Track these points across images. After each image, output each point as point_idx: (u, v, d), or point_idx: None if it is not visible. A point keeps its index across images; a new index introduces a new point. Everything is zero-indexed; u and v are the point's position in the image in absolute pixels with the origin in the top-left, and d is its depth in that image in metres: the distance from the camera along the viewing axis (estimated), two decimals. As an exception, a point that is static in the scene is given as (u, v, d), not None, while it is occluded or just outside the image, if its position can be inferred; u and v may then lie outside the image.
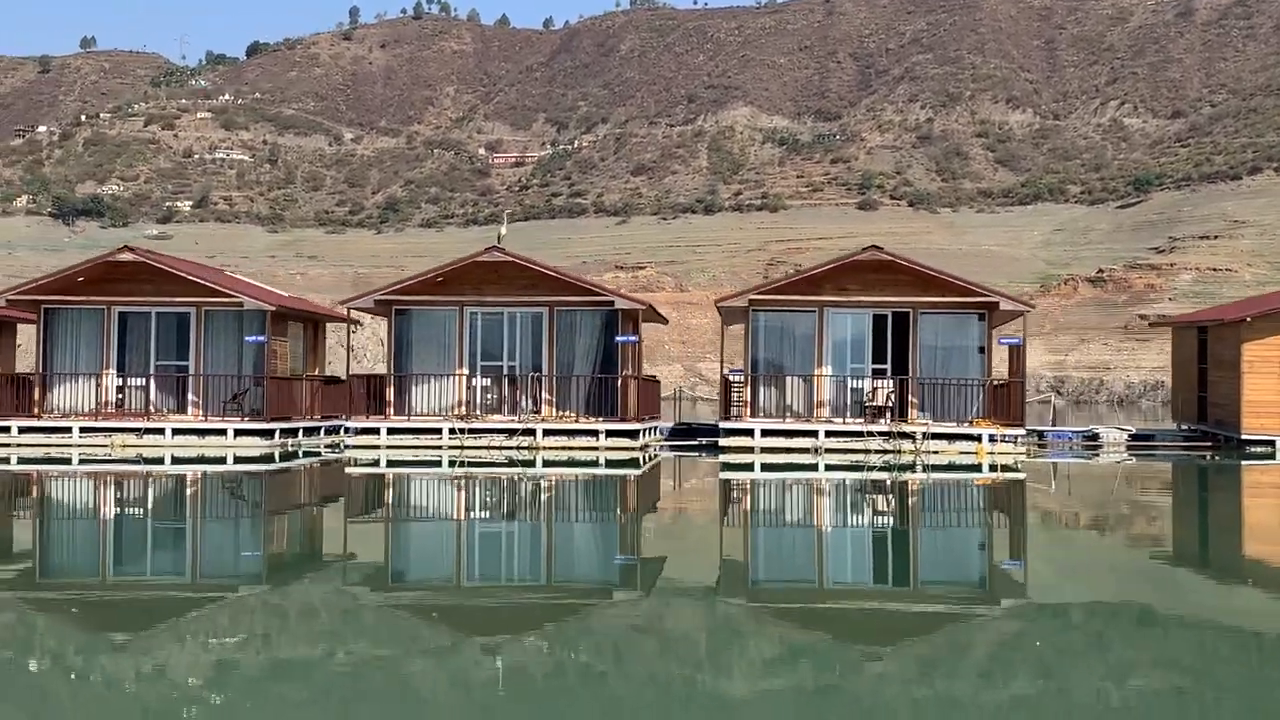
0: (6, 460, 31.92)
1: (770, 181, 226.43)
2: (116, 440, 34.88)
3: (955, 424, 36.18)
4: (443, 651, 11.81)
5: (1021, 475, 31.65)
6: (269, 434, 35.24)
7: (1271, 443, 39.40)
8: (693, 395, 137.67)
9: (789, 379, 37.36)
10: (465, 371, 36.75)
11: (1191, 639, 12.87)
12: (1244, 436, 39.60)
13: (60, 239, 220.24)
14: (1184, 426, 44.53)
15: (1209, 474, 35.49)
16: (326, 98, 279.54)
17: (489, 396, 36.74)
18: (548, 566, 17.26)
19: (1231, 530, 22.89)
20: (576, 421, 36.03)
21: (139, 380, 36.52)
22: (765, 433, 36.11)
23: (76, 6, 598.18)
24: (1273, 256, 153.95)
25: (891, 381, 36.95)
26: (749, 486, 29.70)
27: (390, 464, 32.72)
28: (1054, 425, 44.93)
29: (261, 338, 35.28)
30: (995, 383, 37.09)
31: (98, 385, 36.59)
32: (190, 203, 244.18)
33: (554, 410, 36.57)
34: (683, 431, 40.36)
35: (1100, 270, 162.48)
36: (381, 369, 40.17)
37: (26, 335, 40.84)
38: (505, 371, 36.92)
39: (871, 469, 31.87)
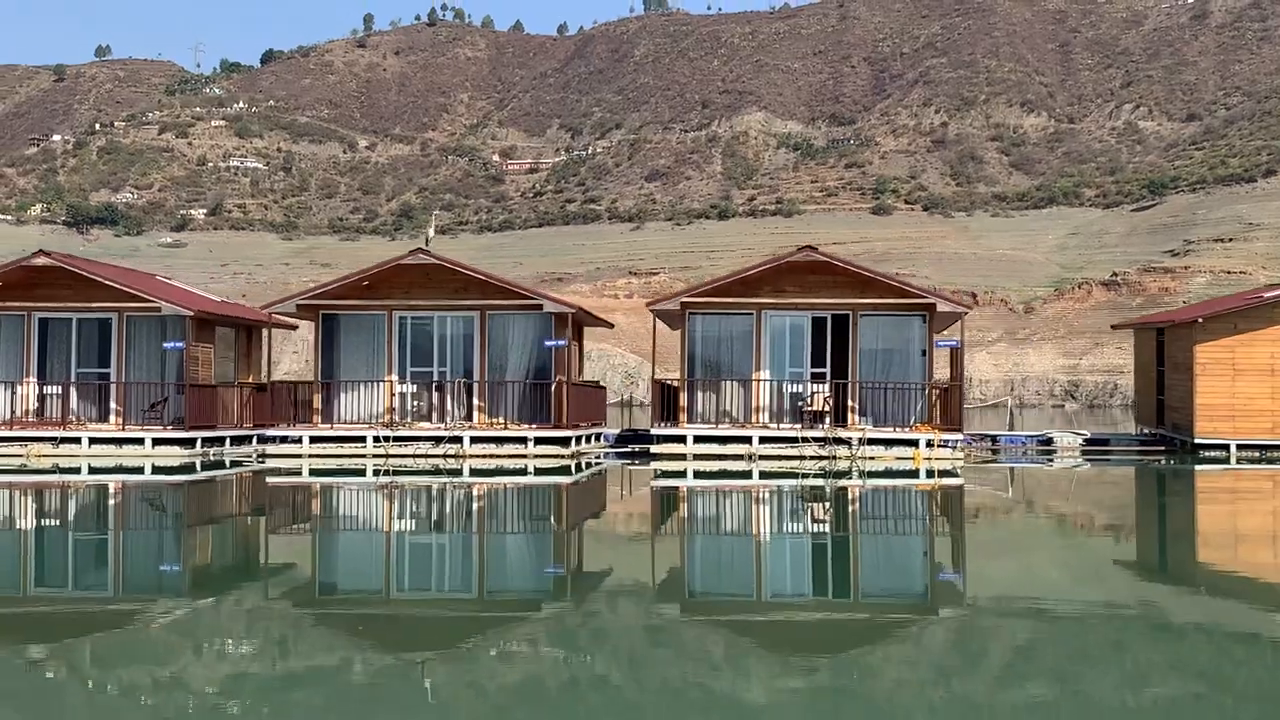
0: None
1: (784, 187, 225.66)
2: (32, 450, 34.22)
3: (896, 429, 35.30)
4: (368, 665, 11.37)
5: (959, 481, 30.75)
6: (190, 443, 34.50)
7: (1225, 447, 38.42)
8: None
9: (726, 383, 36.49)
10: (395, 378, 35.96)
11: (1127, 643, 12.53)
12: (1197, 440, 38.61)
13: (75, 247, 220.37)
14: (1146, 431, 43.57)
15: (1156, 479, 34.50)
16: (341, 105, 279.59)
17: (419, 403, 35.93)
18: (470, 578, 16.68)
19: (1156, 536, 22.03)
20: (505, 428, 35.20)
21: (58, 388, 35.78)
22: (698, 439, 35.26)
23: (91, 15, 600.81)
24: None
25: (827, 386, 36.03)
26: (677, 495, 28.81)
27: (313, 473, 31.95)
28: (1010, 430, 43.99)
29: (179, 344, 34.50)
30: (936, 387, 36.16)
31: (14, 394, 35.89)
32: (204, 210, 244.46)
33: (486, 417, 35.75)
34: (628, 438, 39.56)
35: (1114, 274, 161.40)
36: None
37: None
38: (436, 378, 36.09)
39: (806, 476, 31.00)
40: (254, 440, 35.97)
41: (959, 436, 34.91)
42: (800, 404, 36.01)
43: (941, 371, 39.27)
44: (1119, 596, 15.06)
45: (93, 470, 31.92)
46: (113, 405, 35.78)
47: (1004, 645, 12.33)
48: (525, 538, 21.16)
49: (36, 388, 35.94)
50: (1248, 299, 41.89)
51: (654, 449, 35.67)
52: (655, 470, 33.01)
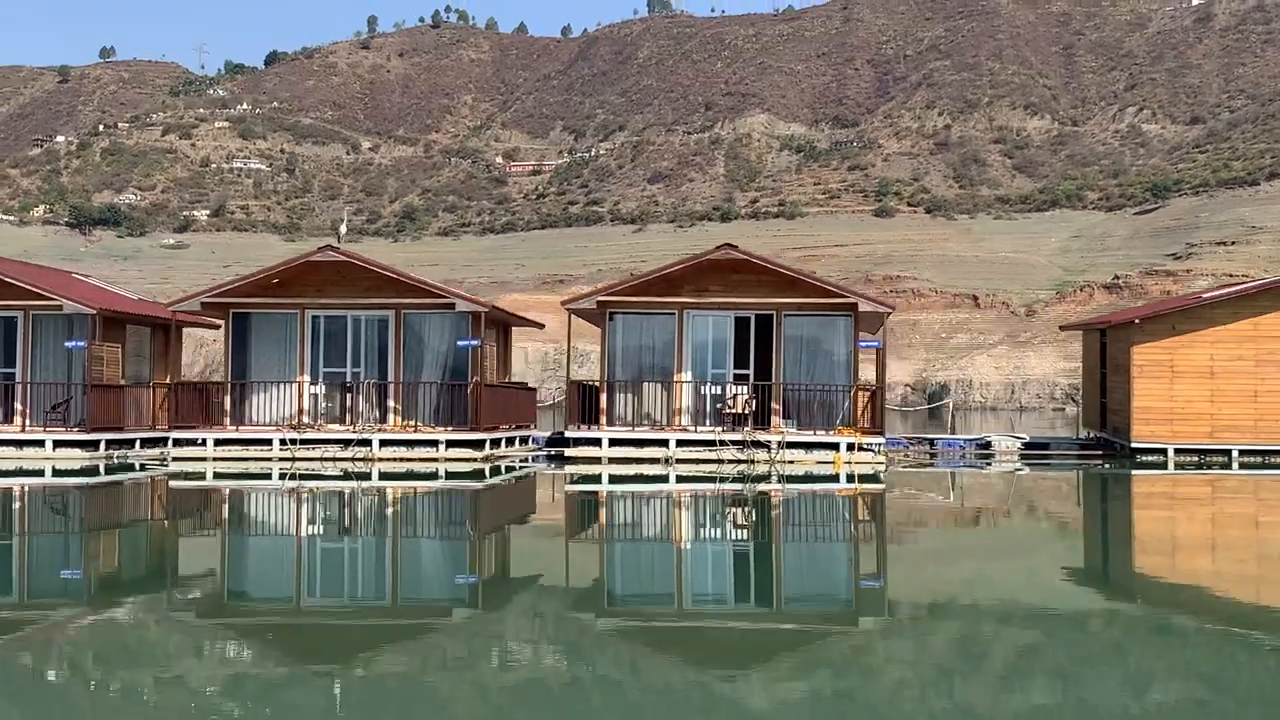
0: None
1: (787, 189, 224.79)
2: (-68, 451, 33.55)
3: (821, 432, 34.47)
4: (274, 674, 11.07)
5: (880, 486, 29.94)
6: (93, 445, 33.77)
7: (1163, 451, 37.57)
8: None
9: (647, 385, 35.68)
10: (306, 378, 35.14)
11: (1041, 650, 12.28)
12: (1134, 445, 37.73)
13: (77, 248, 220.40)
14: (1092, 435, 42.72)
15: (1086, 484, 33.64)
16: (344, 106, 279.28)
17: (331, 405, 35.16)
18: (372, 586, 16.15)
19: (1066, 544, 21.17)
20: (417, 431, 34.41)
21: (-40, 389, 35.07)
22: (614, 442, 34.45)
23: (96, 17, 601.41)
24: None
25: (747, 388, 35.21)
26: (587, 500, 28.01)
27: (216, 477, 31.18)
28: (951, 433, 43.15)
29: (80, 343, 33.76)
30: (858, 388, 35.29)
31: (-84, 395, 35.23)
32: (207, 212, 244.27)
33: (401, 419, 34.96)
34: (558, 440, 38.67)
35: (1116, 277, 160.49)
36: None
37: None
38: (349, 379, 35.28)
39: (723, 480, 30.20)
40: (169, 442, 35.18)
41: (879, 440, 34.03)
42: (719, 406, 35.22)
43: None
44: (1028, 603, 14.73)
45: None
46: (17, 406, 35.10)
47: (919, 653, 11.93)
48: (432, 544, 20.40)
49: (-60, 389, 35.24)
50: (1188, 300, 41.03)
51: (568, 452, 34.84)
52: (570, 475, 32.22)
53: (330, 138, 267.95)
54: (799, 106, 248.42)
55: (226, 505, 26.56)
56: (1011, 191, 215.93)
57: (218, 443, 33.78)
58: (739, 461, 33.37)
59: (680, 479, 30.99)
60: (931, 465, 38.06)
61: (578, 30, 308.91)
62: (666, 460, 33.75)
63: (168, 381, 37.11)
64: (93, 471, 31.76)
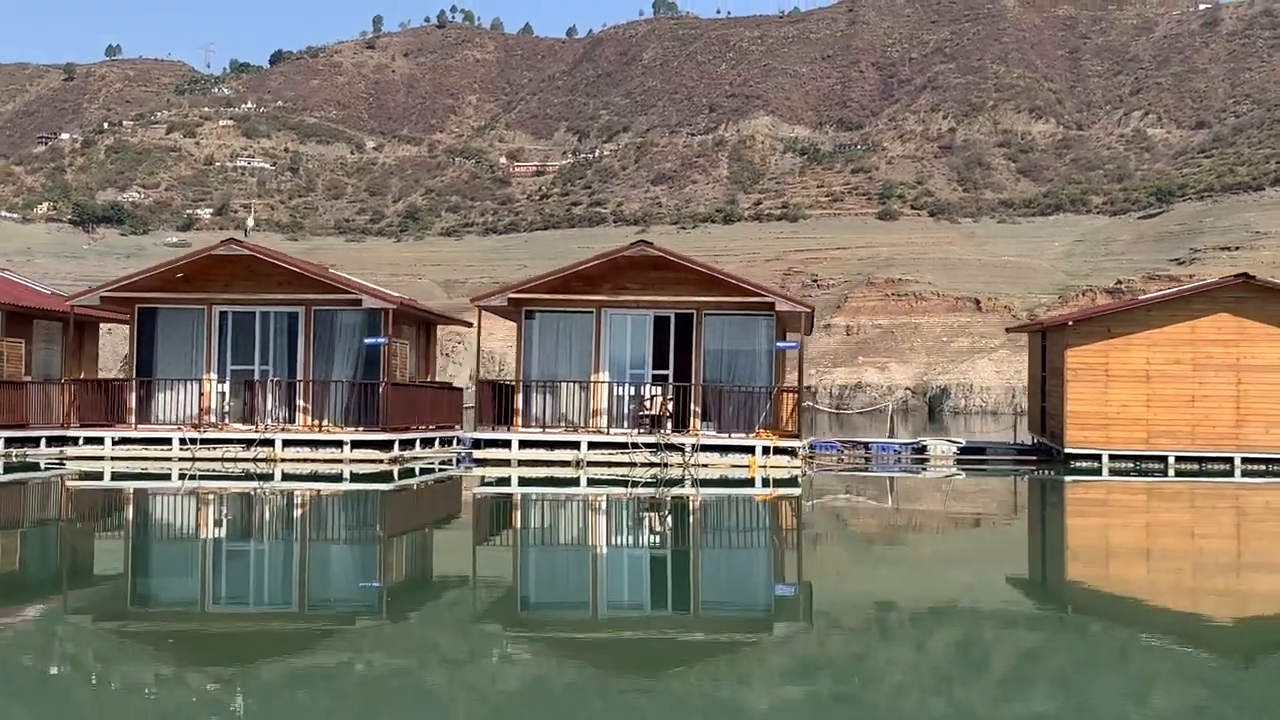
0: None
1: (790, 191, 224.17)
2: None
3: (741, 435, 33.59)
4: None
5: (795, 491, 29.03)
6: (-11, 442, 33.01)
7: (1097, 457, 36.59)
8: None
9: (564, 386, 34.79)
10: (214, 376, 34.26)
11: (934, 659, 11.81)
12: (1067, 450, 36.78)
13: (80, 246, 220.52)
14: (1036, 439, 41.78)
15: (1010, 491, 32.64)
16: (349, 106, 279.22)
17: (238, 403, 34.33)
18: (272, 591, 15.50)
19: (969, 552, 20.28)
20: (325, 431, 33.56)
21: None
22: (524, 444, 33.56)
23: (102, 15, 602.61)
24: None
25: (662, 388, 34.34)
26: (492, 504, 27.10)
27: (115, 477, 30.37)
28: (890, 437, 42.22)
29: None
30: (780, 390, 34.39)
31: None
32: (210, 210, 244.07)
33: (310, 419, 34.11)
34: (494, 443, 37.64)
35: (1119, 281, 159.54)
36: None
37: None
38: (258, 376, 34.42)
39: (635, 484, 29.35)
40: (80, 441, 34.33)
41: (796, 444, 33.14)
42: (636, 407, 34.37)
43: (807, 376, 37.46)
44: (931, 609, 14.26)
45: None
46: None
47: (826, 661, 11.57)
48: (327, 549, 19.53)
49: None
50: (1124, 303, 40.08)
51: (478, 454, 33.94)
52: (479, 478, 31.34)
53: (334, 137, 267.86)
54: (803, 109, 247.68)
55: (112, 507, 25.77)
56: (1015, 195, 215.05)
57: (118, 441, 32.94)
58: (652, 465, 32.51)
59: (591, 482, 30.14)
60: (866, 470, 37.15)
61: (583, 31, 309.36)
62: (578, 463, 32.89)
63: (82, 378, 36.37)
64: (-10, 470, 31.00)
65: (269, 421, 33.80)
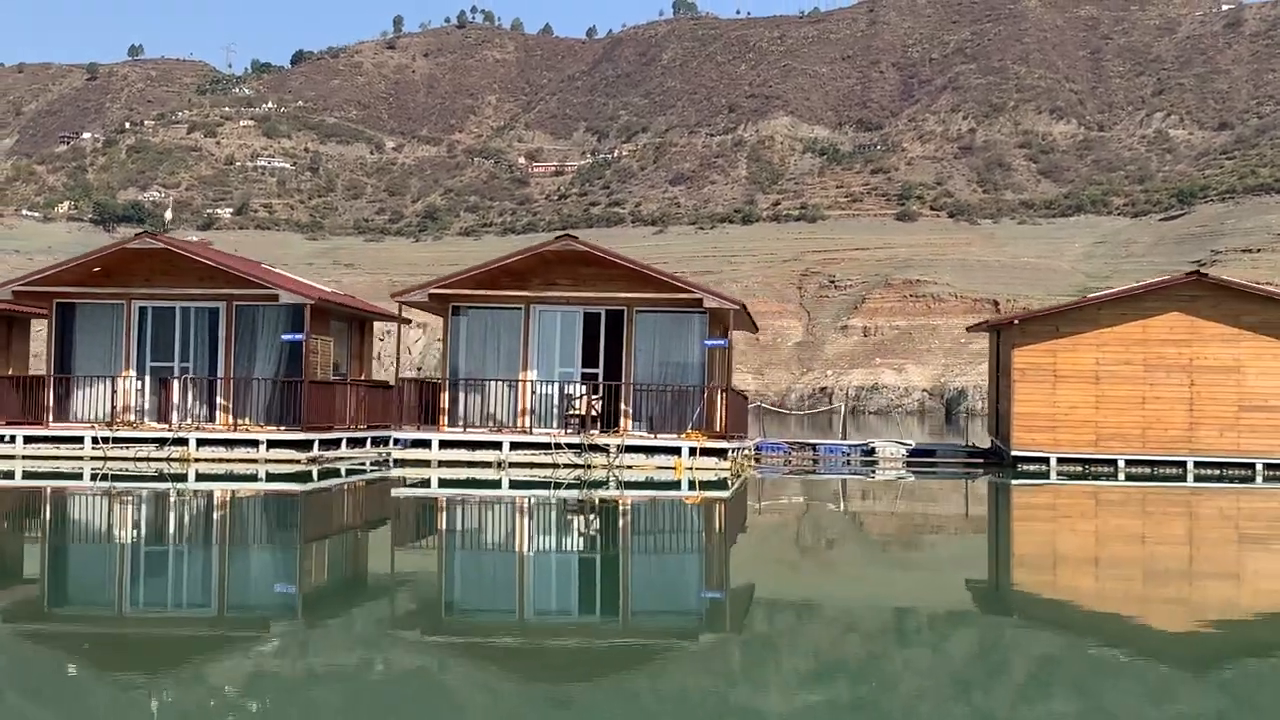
0: None
1: (809, 192, 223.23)
2: None
3: (672, 435, 32.61)
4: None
5: (723, 494, 28.08)
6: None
7: (1045, 460, 35.51)
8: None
9: (492, 384, 33.88)
10: (132, 373, 33.43)
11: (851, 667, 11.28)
12: (1014, 453, 35.73)
13: (100, 244, 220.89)
14: (994, 442, 40.71)
15: (948, 495, 31.60)
16: (369, 106, 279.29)
17: (157, 401, 33.54)
18: (172, 595, 14.65)
19: (892, 559, 19.30)
20: (245, 431, 32.74)
21: None
22: (444, 444, 32.66)
23: (125, 15, 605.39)
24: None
25: (588, 387, 33.41)
26: (405, 507, 26.19)
27: (26, 476, 29.64)
28: (842, 438, 41.23)
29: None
30: (713, 390, 33.40)
31: None
32: (231, 210, 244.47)
33: (230, 417, 33.30)
34: (417, 444, 36.75)
35: (1139, 283, 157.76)
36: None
37: None
38: (178, 373, 33.62)
39: (558, 486, 28.48)
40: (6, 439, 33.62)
41: (724, 445, 32.14)
42: (564, 407, 33.44)
43: (741, 377, 36.52)
44: (839, 617, 13.67)
45: None
46: None
47: (721, 669, 10.98)
48: (241, 552, 18.73)
49: None
50: (1076, 301, 39.00)
51: (397, 455, 33.03)
52: (399, 479, 30.48)
53: (354, 137, 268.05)
54: (823, 109, 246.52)
55: (11, 508, 25.01)
56: (1036, 196, 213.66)
57: (29, 440, 32.18)
58: (575, 466, 31.60)
59: (513, 484, 29.25)
60: (813, 472, 36.20)
61: (602, 31, 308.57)
62: (500, 464, 32.01)
63: (9, 374, 35.69)
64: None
65: (188, 420, 32.99)
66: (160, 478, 28.65)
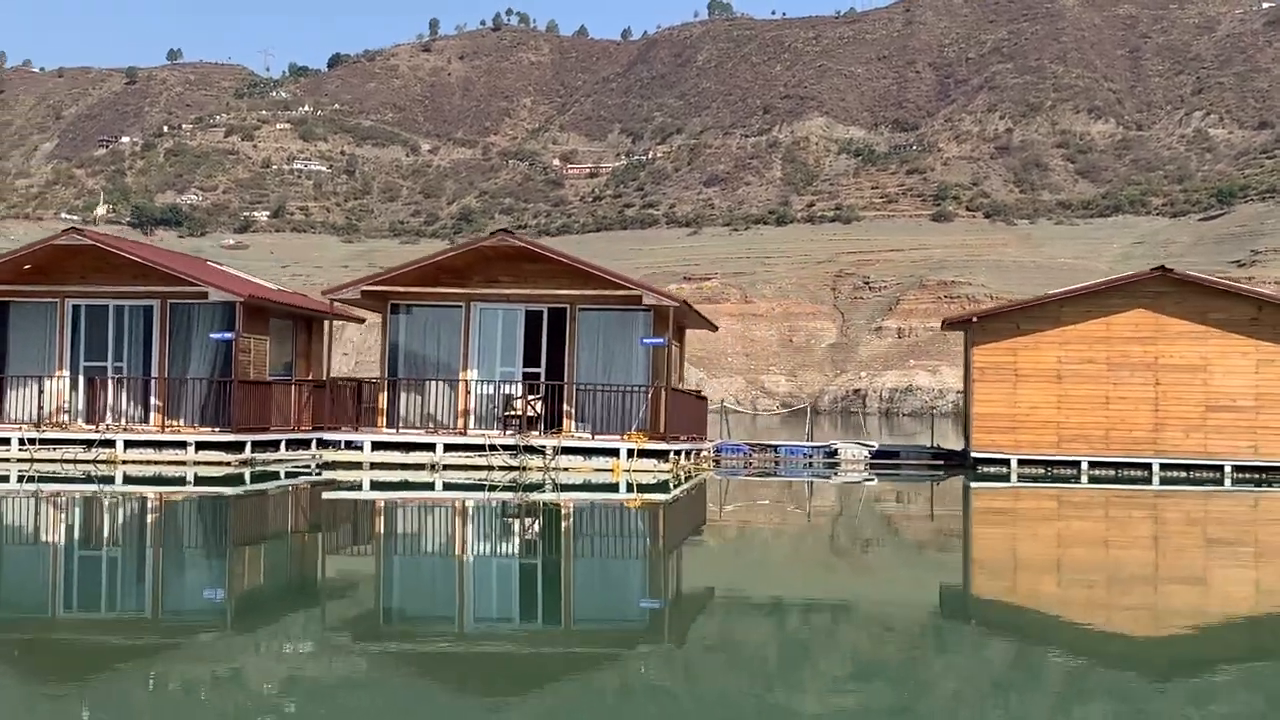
0: None
1: (844, 193, 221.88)
2: None
3: (616, 437, 31.73)
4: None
5: (662, 497, 27.19)
6: None
7: (1005, 462, 34.47)
8: (753, 408, 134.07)
9: (431, 384, 33.11)
10: (65, 373, 32.88)
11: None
12: (973, 454, 34.68)
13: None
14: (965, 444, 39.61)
15: (898, 498, 30.53)
16: (405, 109, 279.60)
17: (91, 401, 32.91)
18: (93, 599, 14.12)
19: (822, 567, 18.32)
20: (169, 431, 32.07)
21: None
22: (378, 445, 31.89)
23: (164, 19, 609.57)
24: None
25: (524, 387, 32.56)
26: (338, 511, 25.44)
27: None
28: (809, 440, 40.21)
29: None
30: (654, 389, 32.46)
31: None
32: (267, 213, 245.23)
33: (165, 418, 32.64)
34: (351, 445, 35.60)
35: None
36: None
37: None
38: (112, 373, 32.97)
39: (493, 488, 27.70)
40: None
41: (664, 446, 31.24)
42: (504, 407, 32.60)
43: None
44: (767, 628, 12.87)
45: None
46: None
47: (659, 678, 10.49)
48: (171, 556, 18.09)
49: None
50: (1038, 298, 37.90)
51: (326, 456, 32.26)
52: (330, 482, 29.69)
53: (390, 140, 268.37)
54: (858, 109, 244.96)
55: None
56: (1073, 196, 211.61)
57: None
58: (510, 469, 30.79)
59: (447, 487, 28.49)
60: (773, 474, 35.28)
61: (637, 33, 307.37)
62: (433, 466, 31.22)
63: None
64: None
65: (121, 421, 32.39)
66: (88, 480, 28.04)
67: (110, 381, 32.81)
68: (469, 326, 33.11)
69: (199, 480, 28.68)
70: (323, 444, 33.13)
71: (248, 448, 31.74)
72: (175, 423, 32.57)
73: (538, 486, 28.29)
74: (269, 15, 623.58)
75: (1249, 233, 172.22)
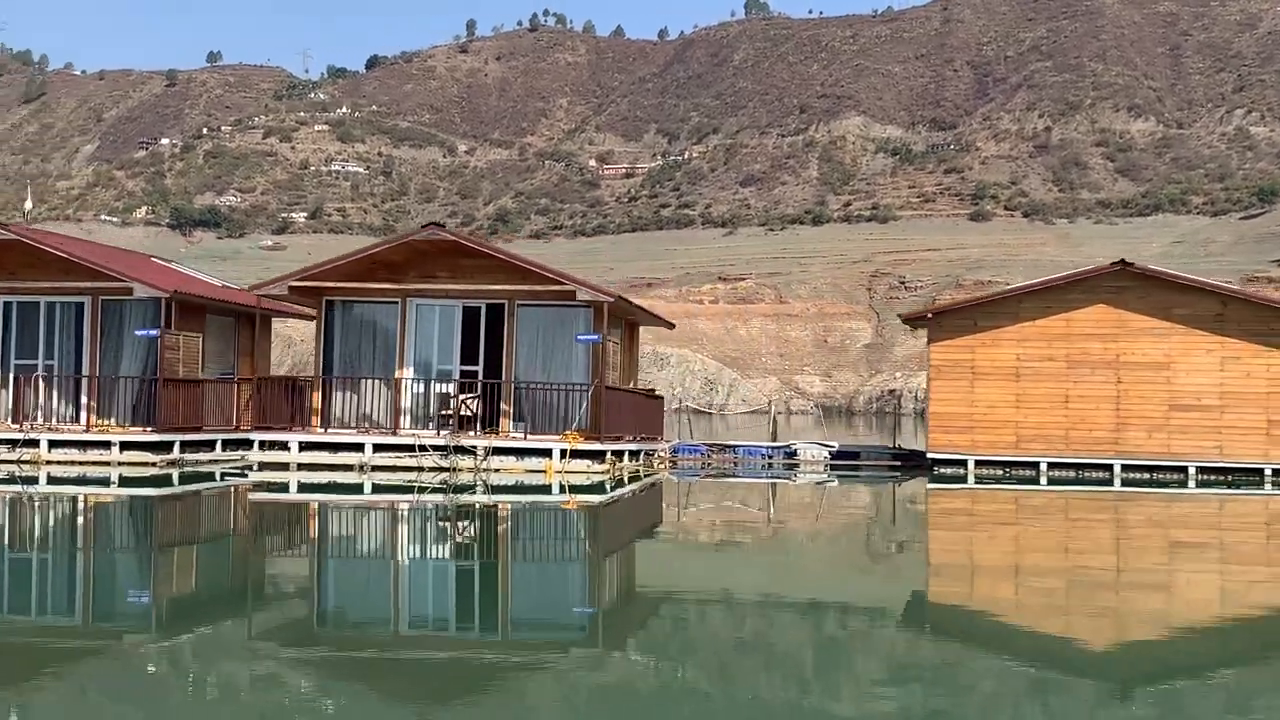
0: None
1: (881, 192, 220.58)
2: None
3: (555, 436, 30.84)
4: None
5: (597, 499, 26.29)
6: None
7: (963, 463, 33.37)
8: (787, 409, 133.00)
9: (366, 383, 32.27)
10: (-4, 371, 32.38)
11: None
12: (930, 455, 33.61)
13: (177, 249, 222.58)
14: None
15: (843, 500, 29.47)
16: (442, 110, 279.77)
17: (16, 401, 32.20)
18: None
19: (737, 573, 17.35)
20: (90, 431, 31.38)
21: None
22: (305, 446, 31.06)
23: (204, 22, 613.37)
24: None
25: (456, 385, 31.68)
26: (260, 514, 24.69)
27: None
28: (773, 440, 39.16)
29: None
30: (596, 388, 31.50)
31: None
32: (305, 214, 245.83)
33: (97, 418, 31.98)
34: (278, 445, 34.62)
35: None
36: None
37: None
38: (42, 371, 32.36)
39: (423, 490, 26.90)
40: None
41: (599, 446, 30.31)
42: (440, 406, 31.75)
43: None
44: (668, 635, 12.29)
45: None
46: None
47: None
48: (97, 559, 17.51)
49: None
50: (996, 294, 36.80)
51: (251, 457, 31.46)
52: (254, 483, 28.91)
53: (427, 141, 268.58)
54: (895, 109, 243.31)
55: None
56: (1113, 195, 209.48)
57: None
58: (441, 469, 29.95)
59: (376, 488, 27.69)
60: (731, 475, 34.34)
61: (674, 33, 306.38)
62: (361, 467, 30.42)
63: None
64: None
65: (52, 420, 31.78)
66: (11, 480, 27.42)
67: (40, 380, 32.17)
68: (405, 323, 32.26)
69: (123, 481, 28.00)
70: (261, 444, 32.41)
71: (176, 448, 31.02)
72: (106, 422, 31.88)
73: (468, 488, 27.46)
74: (308, 17, 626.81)
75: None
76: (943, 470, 33.48)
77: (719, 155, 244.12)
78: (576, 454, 30.29)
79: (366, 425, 32.22)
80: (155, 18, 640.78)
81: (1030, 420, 33.46)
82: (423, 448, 30.43)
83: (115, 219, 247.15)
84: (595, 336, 31.13)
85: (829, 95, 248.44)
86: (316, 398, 32.36)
